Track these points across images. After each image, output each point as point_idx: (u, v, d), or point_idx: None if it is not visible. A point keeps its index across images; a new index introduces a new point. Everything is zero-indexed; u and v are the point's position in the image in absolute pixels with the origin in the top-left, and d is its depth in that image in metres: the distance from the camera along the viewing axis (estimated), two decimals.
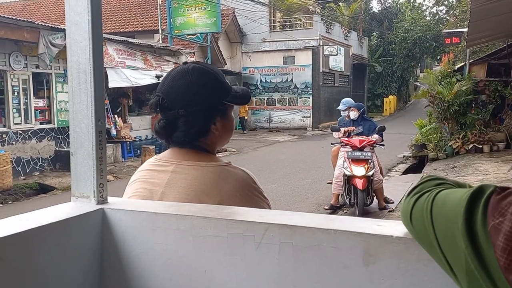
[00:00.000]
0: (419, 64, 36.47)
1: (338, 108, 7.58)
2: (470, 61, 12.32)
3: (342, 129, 7.01)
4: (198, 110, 1.23)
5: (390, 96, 30.61)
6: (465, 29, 13.20)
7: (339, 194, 6.96)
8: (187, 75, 1.25)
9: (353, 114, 7.09)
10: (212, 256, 1.00)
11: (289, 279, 0.93)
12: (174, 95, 1.25)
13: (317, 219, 0.97)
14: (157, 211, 1.07)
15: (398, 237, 0.84)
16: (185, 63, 1.30)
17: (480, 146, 11.08)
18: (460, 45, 16.37)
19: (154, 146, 12.75)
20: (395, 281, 0.85)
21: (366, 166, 6.43)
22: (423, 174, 9.86)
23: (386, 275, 0.86)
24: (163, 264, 1.05)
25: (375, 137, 6.79)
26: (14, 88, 10.47)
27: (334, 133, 7.20)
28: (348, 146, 6.67)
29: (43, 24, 10.55)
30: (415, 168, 11.35)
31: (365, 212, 6.56)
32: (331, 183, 7.32)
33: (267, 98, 23.57)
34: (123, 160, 12.54)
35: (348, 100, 7.60)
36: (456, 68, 12.54)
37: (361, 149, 6.53)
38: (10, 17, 9.98)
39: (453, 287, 0.79)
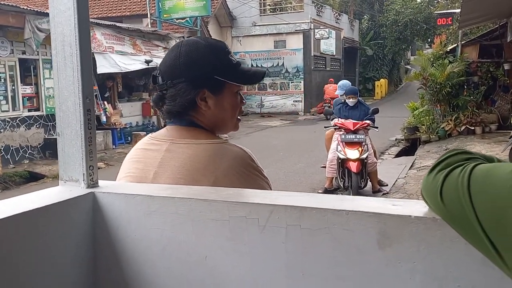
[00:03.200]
0: (410, 47, 36.37)
1: (336, 93, 7.42)
2: (462, 42, 12.26)
3: (334, 122, 6.93)
4: (183, 81, 1.18)
5: (381, 80, 30.54)
6: (457, 10, 13.14)
7: (333, 177, 6.92)
8: (179, 47, 1.23)
9: (352, 102, 6.89)
10: (213, 242, 0.93)
11: (297, 264, 0.86)
12: (165, 67, 1.22)
13: (327, 200, 0.90)
14: (152, 194, 0.99)
15: (417, 217, 0.78)
16: (189, 37, 1.26)
17: (473, 128, 11.10)
18: (451, 27, 16.30)
19: (145, 132, 12.62)
20: (414, 264, 0.78)
21: (360, 149, 6.38)
22: (416, 157, 9.87)
23: (405, 259, 0.79)
24: (160, 251, 0.97)
25: (368, 122, 6.71)
26: (0, 74, 10.24)
27: (332, 121, 7.05)
28: (341, 129, 6.62)
29: (29, 8, 10.29)
30: (408, 150, 11.35)
31: (359, 195, 6.54)
32: (325, 167, 7.28)
33: (258, 83, 23.40)
34: (113, 147, 12.39)
35: (345, 84, 7.48)
36: (448, 50, 12.49)
37: (354, 132, 6.48)
38: None
39: (479, 270, 0.73)
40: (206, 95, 1.20)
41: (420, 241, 0.77)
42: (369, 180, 6.83)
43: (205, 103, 1.20)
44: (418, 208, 0.80)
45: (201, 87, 1.19)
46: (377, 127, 6.83)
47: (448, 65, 11.25)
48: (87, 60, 1.03)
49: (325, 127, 7.42)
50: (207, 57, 1.20)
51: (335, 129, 6.85)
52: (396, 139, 12.58)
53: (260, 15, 23.35)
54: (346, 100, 6.99)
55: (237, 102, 1.27)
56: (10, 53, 10.34)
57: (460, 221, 0.68)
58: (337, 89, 7.41)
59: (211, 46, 1.23)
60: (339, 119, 6.86)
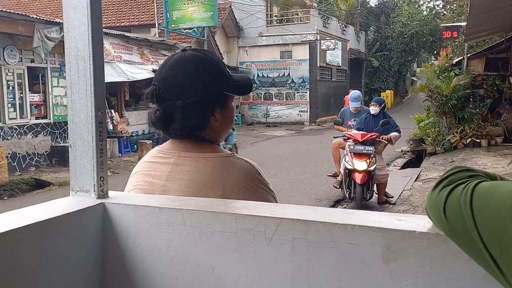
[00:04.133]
0: (416, 59, 36.43)
1: (354, 106, 7.27)
2: (468, 55, 12.28)
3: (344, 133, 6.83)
4: (196, 101, 1.16)
5: (387, 91, 30.58)
6: (463, 23, 13.18)
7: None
8: (186, 63, 1.17)
9: (374, 109, 6.77)
10: (220, 253, 0.95)
11: (303, 277, 0.88)
12: (171, 85, 1.17)
13: (333, 214, 0.92)
14: (161, 205, 1.01)
15: (421, 232, 0.79)
16: (184, 50, 1.21)
17: (478, 141, 11.07)
18: (457, 40, 16.34)
19: (151, 141, 12.69)
20: (418, 279, 0.80)
21: (368, 160, 6.35)
22: (422, 169, 9.85)
23: (409, 273, 0.80)
24: (168, 262, 0.99)
25: (393, 135, 6.61)
26: (9, 82, 10.35)
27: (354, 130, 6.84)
28: (350, 140, 6.59)
29: (38, 17, 10.42)
30: (413, 162, 11.33)
31: (364, 207, 6.52)
32: (331, 176, 7.33)
33: (264, 93, 23.50)
34: (120, 155, 12.46)
35: (359, 94, 7.43)
36: (454, 62, 12.51)
37: (363, 143, 6.45)
38: (4, 10, 9.84)
39: (481, 285, 0.75)
40: (216, 111, 1.20)
41: (424, 256, 0.79)
42: (375, 191, 6.81)
43: (215, 118, 1.20)
44: (422, 223, 0.82)
45: (214, 106, 1.19)
46: (387, 142, 6.70)
47: (454, 78, 11.27)
48: (100, 74, 1.05)
49: (334, 137, 7.42)
50: (216, 74, 1.20)
51: (344, 139, 6.82)
52: (401, 151, 12.57)
53: (267, 26, 23.54)
54: (370, 107, 6.88)
55: (233, 109, 1.30)
56: (19, 61, 10.47)
57: (462, 237, 0.69)
58: (349, 100, 7.31)
59: (214, 61, 1.21)
60: (363, 129, 6.72)
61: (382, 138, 6.57)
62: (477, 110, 11.60)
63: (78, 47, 1.05)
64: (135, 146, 12.99)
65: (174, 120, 1.18)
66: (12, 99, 10.48)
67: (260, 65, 23.46)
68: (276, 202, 1.23)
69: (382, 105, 6.90)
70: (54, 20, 10.53)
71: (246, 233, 0.92)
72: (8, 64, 10.19)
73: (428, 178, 8.67)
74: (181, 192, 1.15)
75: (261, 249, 0.91)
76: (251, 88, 1.31)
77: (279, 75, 23.38)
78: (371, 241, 0.82)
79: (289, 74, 23.27)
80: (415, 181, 8.66)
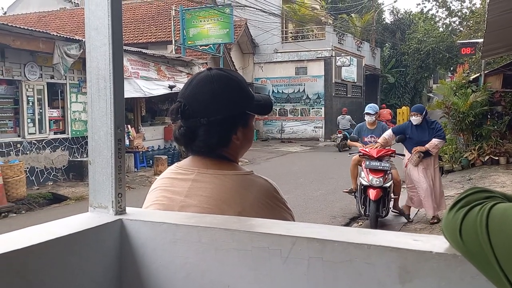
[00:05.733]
0: (432, 75, 36.20)
1: (367, 112, 7.02)
2: (485, 72, 12.18)
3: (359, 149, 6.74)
4: (220, 119, 1.19)
5: (403, 107, 30.34)
6: (480, 40, 13.09)
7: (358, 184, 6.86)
8: (211, 82, 1.20)
9: (416, 120, 6.34)
10: (235, 271, 0.95)
11: None
12: (197, 102, 1.20)
13: (349, 233, 0.92)
14: (177, 222, 1.02)
15: (438, 253, 0.79)
16: (210, 69, 1.25)
17: (496, 158, 10.89)
18: (474, 56, 16.21)
19: (166, 156, 12.79)
20: None
21: (383, 177, 6.29)
22: None
23: None
24: (184, 278, 1.00)
25: (432, 144, 6.24)
26: (29, 98, 10.57)
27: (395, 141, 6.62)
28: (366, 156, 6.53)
29: (58, 35, 10.67)
30: None
31: (380, 224, 6.45)
32: (347, 192, 7.28)
33: (279, 109, 23.56)
34: (135, 170, 12.56)
35: (375, 105, 7.28)
36: (471, 79, 12.40)
37: (379, 159, 6.39)
38: (25, 28, 10.10)
39: None
40: (238, 130, 1.23)
41: (441, 277, 0.78)
42: (391, 208, 6.73)
43: (237, 137, 1.23)
44: (438, 243, 0.81)
45: (237, 124, 1.22)
46: (403, 155, 6.65)
47: (471, 95, 11.16)
48: (120, 92, 1.08)
49: (350, 154, 7.37)
50: (240, 93, 1.23)
51: (359, 155, 6.77)
52: None
53: (282, 43, 23.72)
54: (410, 118, 6.53)
55: (254, 129, 1.34)
56: (39, 77, 10.69)
57: (479, 259, 0.69)
58: (367, 109, 7.22)
59: (238, 80, 1.25)
60: (407, 139, 6.48)
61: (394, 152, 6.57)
62: (495, 127, 11.44)
63: (99, 67, 1.07)
64: (151, 161, 13.09)
65: (197, 136, 1.20)
66: (32, 114, 10.69)
67: (275, 81, 23.58)
68: (294, 221, 1.24)
69: (424, 113, 6.40)
70: (74, 38, 10.77)
71: (261, 251, 0.92)
72: (29, 80, 10.42)
73: (446, 196, 8.52)
74: (200, 209, 1.16)
75: (277, 267, 0.91)
76: (272, 108, 1.33)
77: (294, 91, 23.45)
78: (387, 261, 0.82)
79: (304, 90, 23.33)
80: None
